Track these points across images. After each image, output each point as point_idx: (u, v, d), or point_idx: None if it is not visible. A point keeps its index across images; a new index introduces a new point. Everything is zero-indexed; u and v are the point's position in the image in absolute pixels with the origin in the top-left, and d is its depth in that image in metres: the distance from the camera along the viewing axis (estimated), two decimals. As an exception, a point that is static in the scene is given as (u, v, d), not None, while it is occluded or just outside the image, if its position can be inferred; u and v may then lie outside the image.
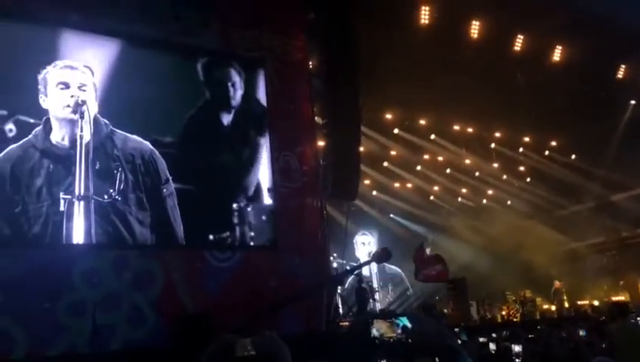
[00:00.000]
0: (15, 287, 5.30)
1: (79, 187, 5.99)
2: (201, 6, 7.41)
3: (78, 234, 5.92)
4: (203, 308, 6.11)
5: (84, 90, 6.30)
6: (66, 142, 6.11)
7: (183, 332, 5.45)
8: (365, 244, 13.86)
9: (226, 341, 1.90)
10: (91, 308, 5.63)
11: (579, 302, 13.89)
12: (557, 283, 13.96)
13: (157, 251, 6.44)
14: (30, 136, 5.92)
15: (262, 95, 7.80)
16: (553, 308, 13.52)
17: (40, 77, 6.07)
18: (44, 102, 6.07)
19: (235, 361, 1.83)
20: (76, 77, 6.30)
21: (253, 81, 7.78)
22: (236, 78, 7.59)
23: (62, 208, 5.86)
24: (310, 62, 8.72)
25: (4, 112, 5.81)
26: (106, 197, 6.14)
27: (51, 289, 5.55)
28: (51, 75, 6.15)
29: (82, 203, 5.97)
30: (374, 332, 7.88)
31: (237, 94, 7.56)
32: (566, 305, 13.58)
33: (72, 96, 6.20)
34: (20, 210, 5.68)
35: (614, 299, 12.79)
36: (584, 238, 16.17)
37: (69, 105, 6.16)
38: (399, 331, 7.42)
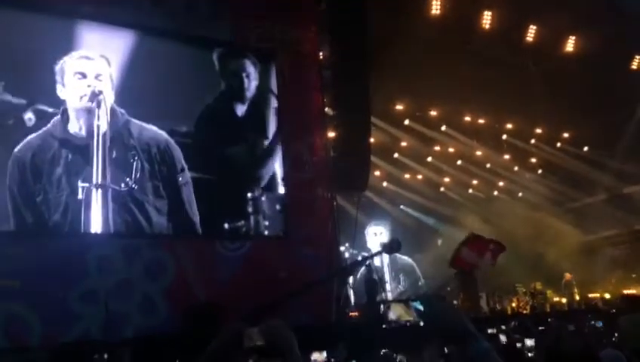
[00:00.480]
0: (31, 275, 5.40)
1: (97, 176, 6.11)
2: (213, -4, 7.43)
3: (96, 222, 6.03)
4: (214, 298, 6.18)
5: (100, 80, 6.40)
6: (84, 132, 6.21)
7: (194, 320, 5.51)
8: (377, 235, 13.81)
9: (233, 329, 1.91)
10: (104, 296, 5.71)
11: (590, 295, 13.80)
12: (567, 276, 13.86)
13: (168, 240, 6.53)
14: (49, 125, 6.02)
15: (274, 86, 7.83)
16: (564, 300, 13.45)
17: (57, 67, 6.16)
18: (61, 92, 6.16)
19: (243, 352, 1.84)
20: (93, 67, 6.40)
21: (266, 72, 7.81)
22: (251, 69, 7.64)
23: (80, 196, 5.97)
24: (321, 53, 8.71)
25: (24, 101, 5.92)
26: (122, 185, 6.25)
27: (66, 276, 5.66)
28: (68, 65, 6.24)
29: (100, 191, 6.08)
30: (391, 315, 7.91)
31: (251, 85, 7.61)
32: (577, 297, 13.51)
33: (88, 86, 6.30)
34: (41, 199, 5.81)
35: (626, 291, 12.69)
36: (596, 231, 16.03)
37: (85, 95, 6.26)
38: (415, 314, 7.46)
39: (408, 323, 7.37)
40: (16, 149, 5.80)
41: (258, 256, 7.00)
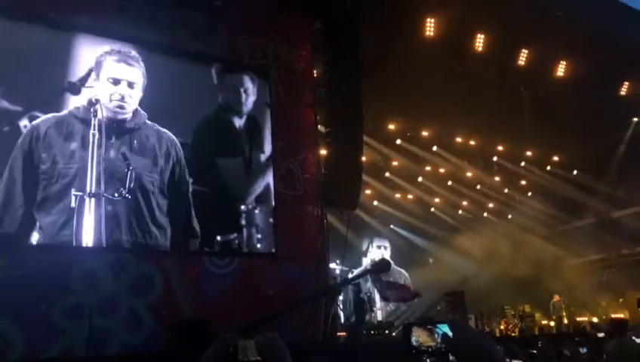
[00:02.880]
0: (13, 287, 5.29)
1: (90, 184, 6.06)
2: (208, 13, 7.48)
3: (88, 230, 5.96)
4: (202, 314, 6.10)
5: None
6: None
7: (180, 337, 5.42)
8: (381, 248, 13.82)
9: (227, 341, 1.86)
10: (88, 311, 5.61)
11: (578, 318, 13.82)
12: (556, 298, 13.91)
13: (156, 255, 6.45)
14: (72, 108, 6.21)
15: (268, 102, 7.86)
16: (552, 323, 13.45)
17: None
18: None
19: None
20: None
21: (262, 88, 7.84)
22: (249, 84, 7.71)
23: (73, 205, 5.92)
24: (314, 71, 8.76)
25: (20, 108, 5.92)
26: (116, 195, 6.21)
27: (49, 291, 5.55)
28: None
29: (93, 200, 6.04)
30: (413, 341, 7.78)
31: (249, 100, 7.67)
32: (565, 320, 13.52)
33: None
34: (48, 167, 5.89)
35: (614, 316, 12.70)
36: (584, 254, 16.11)
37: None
38: (439, 339, 7.31)
39: (430, 349, 7.25)
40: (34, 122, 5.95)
41: (247, 273, 6.95)
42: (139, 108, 6.62)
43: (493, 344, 1.75)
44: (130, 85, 6.59)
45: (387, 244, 13.75)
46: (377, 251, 13.51)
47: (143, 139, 6.58)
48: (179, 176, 6.75)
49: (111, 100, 6.42)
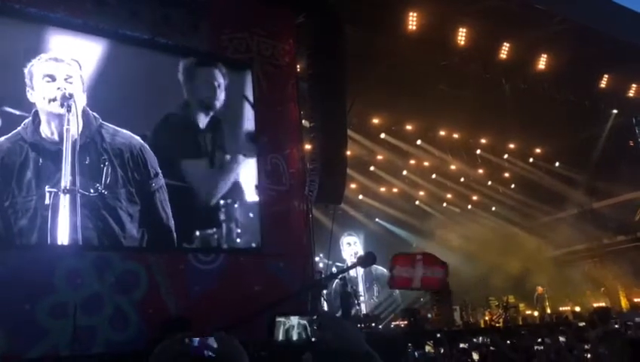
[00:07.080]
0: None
1: (65, 180, 5.98)
2: (191, 8, 7.41)
3: (63, 227, 5.88)
4: (187, 311, 6.08)
5: (70, 82, 6.31)
6: (56, 136, 6.12)
7: (165, 335, 5.40)
8: (351, 245, 13.89)
9: (177, 342, 1.87)
10: (73, 309, 5.56)
11: (561, 308, 14.03)
12: (539, 289, 14.09)
13: (141, 252, 6.41)
14: (19, 128, 5.92)
15: (250, 97, 7.82)
16: (536, 313, 13.63)
17: (26, 70, 6.08)
18: (31, 95, 6.06)
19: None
20: (62, 69, 6.31)
21: (241, 83, 7.80)
22: (220, 80, 7.60)
23: (47, 201, 5.84)
24: (298, 66, 8.74)
25: None
26: (92, 191, 6.13)
27: (32, 290, 5.49)
28: (37, 67, 6.15)
29: (68, 196, 5.95)
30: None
31: (220, 95, 7.56)
32: (548, 310, 13.71)
33: (58, 89, 6.20)
34: (9, 203, 5.67)
35: (596, 305, 12.91)
36: (567, 245, 16.33)
37: (55, 98, 6.16)
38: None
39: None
40: None
41: (232, 269, 6.93)
42: (87, 110, 6.37)
43: (361, 336, 1.82)
44: (68, 80, 6.32)
45: (357, 240, 13.82)
46: (348, 248, 13.58)
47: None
48: (140, 175, 6.59)
49: (54, 99, 6.18)
